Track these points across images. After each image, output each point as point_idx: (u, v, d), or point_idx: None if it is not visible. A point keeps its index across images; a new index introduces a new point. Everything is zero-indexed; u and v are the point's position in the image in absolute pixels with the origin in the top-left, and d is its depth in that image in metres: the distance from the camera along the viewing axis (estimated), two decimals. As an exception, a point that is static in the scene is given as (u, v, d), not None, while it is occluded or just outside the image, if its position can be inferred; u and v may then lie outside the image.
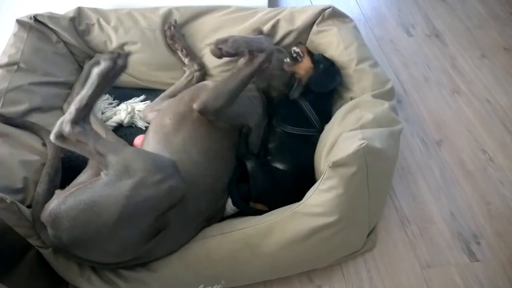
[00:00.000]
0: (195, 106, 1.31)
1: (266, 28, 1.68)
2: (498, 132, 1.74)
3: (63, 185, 1.32)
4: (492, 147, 1.68)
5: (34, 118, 1.40)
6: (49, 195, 1.18)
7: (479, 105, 1.84)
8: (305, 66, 1.50)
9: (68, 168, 1.36)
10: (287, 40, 1.70)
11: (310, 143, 1.43)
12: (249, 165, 1.36)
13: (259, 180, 1.34)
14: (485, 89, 1.91)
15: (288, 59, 1.52)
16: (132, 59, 1.63)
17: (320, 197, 1.15)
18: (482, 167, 1.62)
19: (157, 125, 1.38)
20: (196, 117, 1.34)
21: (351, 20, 1.70)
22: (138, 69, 1.69)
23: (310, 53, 1.54)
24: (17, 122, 1.36)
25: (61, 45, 1.64)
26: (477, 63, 2.03)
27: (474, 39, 2.16)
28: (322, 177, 1.15)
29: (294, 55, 1.53)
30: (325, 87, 1.49)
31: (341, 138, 1.25)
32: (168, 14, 1.71)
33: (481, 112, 1.82)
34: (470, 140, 1.71)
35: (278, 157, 1.41)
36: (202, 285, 1.18)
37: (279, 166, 1.38)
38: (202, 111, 1.31)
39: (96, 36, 1.67)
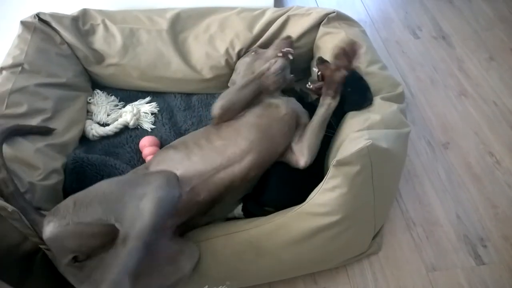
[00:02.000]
0: (303, 164, 1.30)
1: (271, 30, 1.68)
2: (505, 135, 1.73)
3: (67, 188, 1.34)
4: (499, 150, 1.67)
5: (37, 120, 1.39)
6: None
7: (486, 108, 1.83)
8: None
9: (73, 170, 1.37)
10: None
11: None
12: (272, 169, 1.32)
13: (279, 186, 1.30)
14: (492, 91, 1.90)
15: (309, 84, 1.46)
16: (138, 61, 1.67)
17: (324, 197, 1.14)
18: (489, 170, 1.61)
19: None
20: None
21: (358, 24, 1.70)
22: (143, 70, 1.69)
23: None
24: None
25: (65, 47, 1.64)
26: (484, 66, 2.02)
27: (481, 41, 2.15)
28: (326, 176, 1.15)
29: (318, 73, 1.44)
30: (358, 106, 1.38)
31: (348, 138, 1.25)
32: (175, 16, 1.72)
33: (488, 114, 1.80)
34: (477, 143, 1.70)
35: None
36: (206, 286, 1.18)
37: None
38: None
39: (100, 36, 1.68)
